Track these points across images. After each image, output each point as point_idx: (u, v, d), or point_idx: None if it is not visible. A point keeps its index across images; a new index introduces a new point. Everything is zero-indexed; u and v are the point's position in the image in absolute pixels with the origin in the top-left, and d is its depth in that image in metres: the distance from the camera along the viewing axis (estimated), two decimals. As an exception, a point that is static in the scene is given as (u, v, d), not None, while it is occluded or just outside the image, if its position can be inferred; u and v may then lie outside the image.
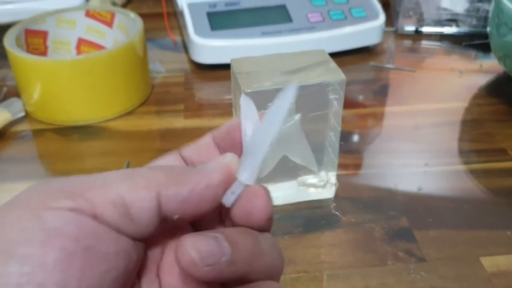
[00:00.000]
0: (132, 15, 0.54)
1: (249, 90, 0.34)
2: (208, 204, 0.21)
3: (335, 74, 0.36)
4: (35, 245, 0.17)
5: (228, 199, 0.22)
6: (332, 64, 0.37)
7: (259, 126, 0.24)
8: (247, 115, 0.25)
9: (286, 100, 0.25)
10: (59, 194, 0.19)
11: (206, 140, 0.25)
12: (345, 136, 0.48)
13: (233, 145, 0.24)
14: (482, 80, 0.58)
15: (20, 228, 0.18)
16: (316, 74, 0.36)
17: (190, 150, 0.25)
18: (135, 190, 0.20)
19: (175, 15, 0.72)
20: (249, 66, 0.37)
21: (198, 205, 0.21)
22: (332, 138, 0.39)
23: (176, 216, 0.21)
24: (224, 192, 0.22)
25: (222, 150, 0.24)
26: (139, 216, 0.20)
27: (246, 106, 0.25)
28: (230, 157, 0.23)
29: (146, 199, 0.20)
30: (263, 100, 0.35)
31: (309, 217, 0.39)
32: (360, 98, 0.54)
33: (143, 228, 0.20)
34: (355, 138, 0.48)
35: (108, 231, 0.19)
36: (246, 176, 0.23)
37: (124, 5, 0.77)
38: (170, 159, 0.24)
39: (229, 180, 0.22)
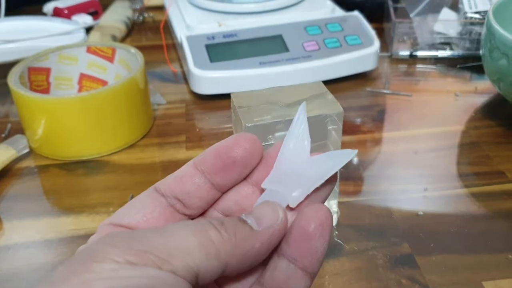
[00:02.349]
0: (133, 50, 0.56)
1: (250, 124, 0.35)
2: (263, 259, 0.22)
3: (333, 107, 0.37)
4: None
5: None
6: (330, 96, 0.38)
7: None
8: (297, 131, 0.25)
9: (302, 120, 0.26)
10: (146, 257, 0.19)
11: (188, 169, 0.24)
12: (345, 163, 0.49)
13: (225, 167, 0.24)
14: (478, 101, 0.59)
15: None
16: (314, 106, 0.37)
17: (170, 182, 0.24)
18: (208, 261, 0.20)
19: (174, 46, 0.74)
20: (249, 100, 0.38)
21: (254, 264, 0.22)
22: (332, 167, 0.40)
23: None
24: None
25: (208, 174, 0.24)
26: (203, 280, 0.20)
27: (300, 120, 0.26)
28: (280, 211, 0.22)
29: (215, 270, 0.20)
30: (263, 133, 0.36)
31: (313, 246, 0.40)
32: (358, 124, 0.55)
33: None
34: (355, 164, 0.49)
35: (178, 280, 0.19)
36: (297, 197, 0.23)
37: (123, 38, 0.78)
38: (146, 200, 0.24)
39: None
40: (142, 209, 0.23)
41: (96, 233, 0.23)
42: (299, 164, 0.24)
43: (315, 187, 0.24)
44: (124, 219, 0.23)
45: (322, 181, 0.24)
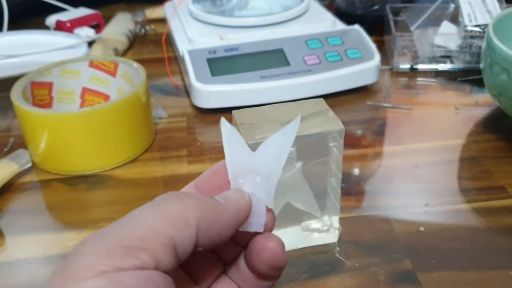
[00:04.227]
0: (135, 64, 0.56)
1: (252, 142, 0.36)
2: (230, 236, 0.24)
3: (334, 124, 0.37)
4: None
5: (258, 225, 0.25)
6: (331, 113, 0.39)
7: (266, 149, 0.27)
8: (232, 142, 0.28)
9: (291, 131, 0.27)
10: (120, 251, 0.20)
11: (189, 190, 0.27)
12: (346, 178, 0.49)
13: (219, 186, 0.26)
14: (479, 115, 0.60)
15: None
16: (315, 123, 0.38)
17: None
18: (181, 231, 0.21)
19: (176, 59, 0.74)
20: (250, 117, 0.38)
21: (223, 239, 0.23)
22: (334, 183, 0.40)
23: (201, 248, 0.23)
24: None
25: (207, 194, 0.26)
26: (183, 253, 0.21)
27: (228, 134, 0.29)
28: (245, 194, 0.25)
29: (190, 237, 0.21)
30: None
31: (314, 263, 0.40)
32: (359, 137, 0.56)
33: (180, 262, 0.22)
34: (356, 179, 0.49)
35: (163, 276, 0.20)
36: (264, 196, 0.26)
37: (125, 51, 0.79)
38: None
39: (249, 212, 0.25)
40: None
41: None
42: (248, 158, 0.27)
43: (277, 174, 0.27)
44: None
45: (282, 164, 0.27)
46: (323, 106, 0.39)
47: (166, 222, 0.21)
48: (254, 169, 0.27)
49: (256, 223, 0.26)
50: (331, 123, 0.37)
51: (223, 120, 0.28)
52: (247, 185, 0.26)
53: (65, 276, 0.19)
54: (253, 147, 0.36)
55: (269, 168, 0.27)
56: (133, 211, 0.22)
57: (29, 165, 0.53)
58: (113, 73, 0.58)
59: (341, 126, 0.37)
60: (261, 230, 0.26)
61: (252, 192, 0.26)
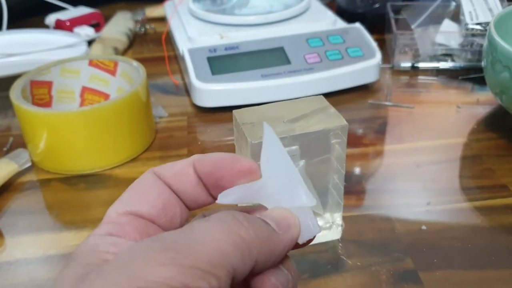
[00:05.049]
0: (135, 63, 0.56)
1: (256, 141, 0.35)
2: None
3: (336, 120, 0.37)
4: None
5: (311, 230, 0.24)
6: (332, 109, 0.38)
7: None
8: (273, 154, 0.25)
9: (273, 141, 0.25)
10: (196, 273, 0.19)
11: (186, 170, 0.25)
12: (348, 176, 0.49)
13: (222, 178, 0.24)
14: (480, 113, 0.59)
15: None
16: (316, 120, 0.37)
17: (168, 172, 0.24)
18: (243, 263, 0.20)
19: (176, 58, 0.74)
20: (251, 116, 0.38)
21: (272, 264, 0.23)
22: (336, 180, 0.40)
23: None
24: None
25: (204, 181, 0.24)
26: (236, 282, 0.20)
27: (270, 144, 0.25)
28: (296, 218, 0.24)
29: (247, 269, 0.21)
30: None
31: (316, 262, 0.39)
32: (360, 136, 0.55)
33: None
34: (357, 178, 0.49)
35: None
36: (306, 198, 0.24)
37: (125, 50, 0.78)
38: (149, 182, 0.24)
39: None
40: (147, 195, 0.24)
41: (107, 219, 0.24)
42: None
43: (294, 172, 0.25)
44: (134, 206, 0.24)
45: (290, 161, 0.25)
46: (323, 103, 0.39)
47: (235, 250, 0.20)
48: (294, 182, 0.25)
49: (307, 231, 0.24)
50: (333, 119, 0.37)
51: (267, 127, 0.25)
52: (290, 200, 0.25)
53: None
54: (257, 147, 0.36)
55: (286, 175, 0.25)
56: (199, 222, 0.21)
57: (29, 164, 0.52)
58: (113, 72, 0.58)
59: (344, 122, 0.37)
60: (315, 233, 0.25)
61: (297, 206, 0.24)
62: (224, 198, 0.24)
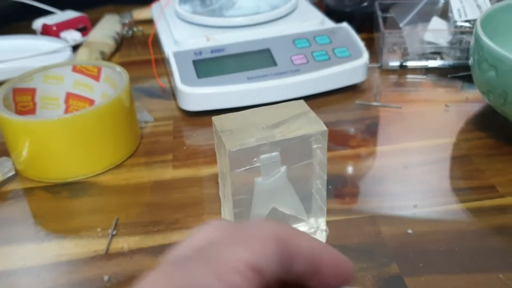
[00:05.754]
0: (118, 68, 0.55)
1: (234, 149, 0.35)
2: None
3: (316, 126, 0.36)
4: None
5: None
6: (312, 114, 0.38)
7: None
8: None
9: None
10: None
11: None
12: (333, 179, 0.48)
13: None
14: (469, 112, 0.59)
15: None
16: (297, 126, 0.37)
17: None
18: (269, 258, 0.20)
19: (163, 61, 0.73)
20: (230, 123, 0.37)
21: None
22: (319, 186, 0.39)
23: None
24: None
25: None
26: None
27: None
28: None
29: None
30: (248, 156, 0.36)
31: (300, 269, 0.39)
32: (348, 138, 0.55)
33: None
34: (344, 181, 0.48)
35: None
36: None
37: (112, 53, 0.78)
38: None
39: None
40: None
41: None
42: None
43: None
44: None
45: None
46: (304, 108, 0.38)
47: None
48: None
49: None
50: (313, 124, 0.37)
51: None
52: None
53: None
54: (235, 154, 0.36)
55: None
56: None
57: (12, 173, 0.52)
58: (96, 78, 0.57)
59: (324, 127, 0.36)
60: None
61: None
62: None
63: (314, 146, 0.37)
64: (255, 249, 0.20)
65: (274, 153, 0.36)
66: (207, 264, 0.19)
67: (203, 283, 0.19)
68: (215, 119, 0.37)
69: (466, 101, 0.61)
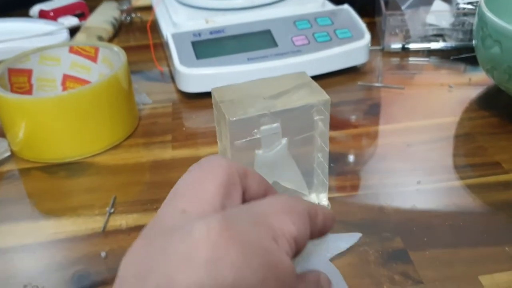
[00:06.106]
0: (116, 48, 0.54)
1: (234, 118, 0.34)
2: None
3: (318, 95, 0.36)
4: None
5: None
6: (314, 84, 0.37)
7: None
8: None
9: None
10: None
11: (232, 178, 0.27)
12: (336, 158, 0.47)
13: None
14: (472, 93, 0.58)
15: None
16: (299, 96, 0.36)
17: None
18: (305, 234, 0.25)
19: (162, 46, 0.72)
20: (230, 94, 0.36)
21: None
22: (321, 159, 0.39)
23: None
24: None
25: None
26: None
27: None
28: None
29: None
30: (248, 127, 0.35)
31: (302, 244, 0.38)
32: (350, 118, 0.54)
33: None
34: (346, 159, 0.47)
35: None
36: None
37: (110, 39, 0.77)
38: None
39: None
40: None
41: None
42: None
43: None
44: None
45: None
46: (306, 79, 0.37)
47: (302, 223, 0.25)
48: None
49: None
50: (315, 94, 0.36)
51: None
52: None
53: None
54: (235, 124, 0.35)
55: None
56: None
57: (8, 154, 0.51)
58: (94, 59, 0.56)
59: (326, 96, 0.35)
60: None
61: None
62: None
63: (316, 118, 0.36)
64: (299, 225, 0.24)
65: (275, 124, 0.35)
66: (261, 225, 0.22)
67: (264, 244, 0.22)
68: (214, 90, 0.37)
69: (469, 83, 0.60)
